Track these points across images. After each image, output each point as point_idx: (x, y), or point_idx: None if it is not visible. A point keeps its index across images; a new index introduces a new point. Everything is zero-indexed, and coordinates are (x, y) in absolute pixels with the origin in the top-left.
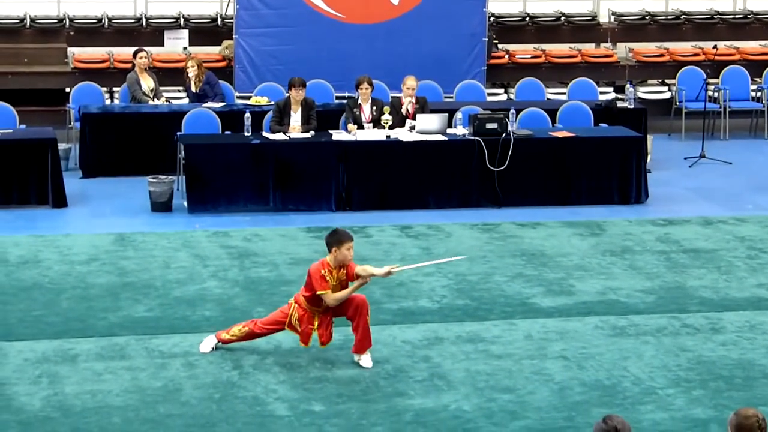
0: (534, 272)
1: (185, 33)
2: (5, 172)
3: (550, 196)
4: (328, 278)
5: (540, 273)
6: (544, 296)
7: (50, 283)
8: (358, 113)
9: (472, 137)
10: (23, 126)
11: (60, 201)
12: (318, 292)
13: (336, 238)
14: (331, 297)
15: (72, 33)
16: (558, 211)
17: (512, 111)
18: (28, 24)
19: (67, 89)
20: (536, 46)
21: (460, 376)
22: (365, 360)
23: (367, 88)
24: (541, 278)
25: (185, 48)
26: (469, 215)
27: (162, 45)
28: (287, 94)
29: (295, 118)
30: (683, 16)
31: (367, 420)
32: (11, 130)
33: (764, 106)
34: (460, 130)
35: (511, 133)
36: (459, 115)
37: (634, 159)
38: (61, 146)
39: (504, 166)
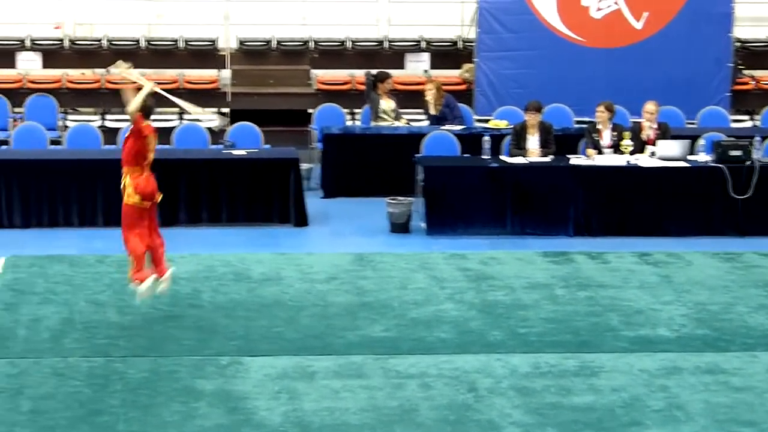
0: None
1: (426, 56)
2: (250, 191)
3: None
4: None
5: None
6: None
7: (291, 300)
8: (597, 138)
9: (715, 164)
10: (267, 146)
11: (301, 220)
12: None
13: None
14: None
15: (316, 55)
16: None
17: (757, 138)
18: (274, 46)
19: (310, 110)
20: None
21: (698, 408)
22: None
23: (606, 113)
24: None
25: (426, 71)
26: (710, 244)
27: (403, 67)
28: (525, 118)
29: (533, 141)
30: None
31: None
32: (256, 150)
33: None
34: (703, 157)
35: (756, 161)
36: (702, 141)
37: None
38: (304, 166)
39: (748, 195)
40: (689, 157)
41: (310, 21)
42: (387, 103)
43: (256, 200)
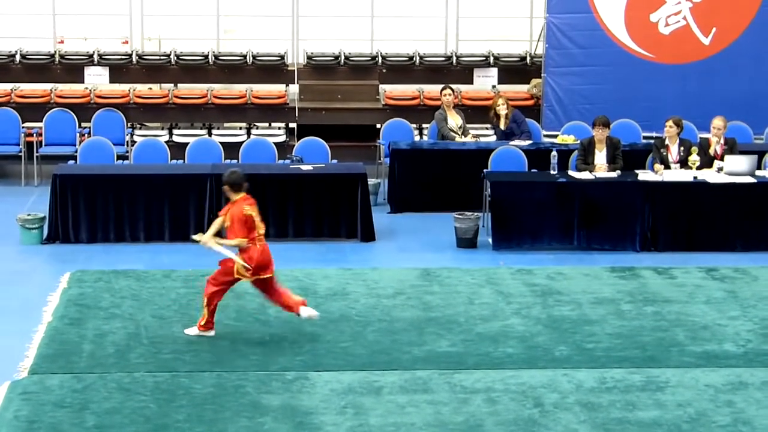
0: None
1: (494, 71)
2: (317, 206)
3: None
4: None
5: None
6: None
7: (357, 315)
8: (665, 153)
9: None
10: (335, 161)
11: (368, 235)
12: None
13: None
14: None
15: (384, 70)
16: None
17: None
18: (342, 61)
19: (378, 125)
20: None
21: (765, 423)
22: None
23: (675, 128)
24: None
25: (494, 86)
26: None
27: (471, 83)
28: (592, 134)
29: (600, 157)
30: None
31: None
32: (323, 165)
33: None
34: None
35: None
36: None
37: None
38: (371, 181)
39: None
40: (756, 173)
41: (378, 36)
42: (454, 119)
43: (323, 215)
